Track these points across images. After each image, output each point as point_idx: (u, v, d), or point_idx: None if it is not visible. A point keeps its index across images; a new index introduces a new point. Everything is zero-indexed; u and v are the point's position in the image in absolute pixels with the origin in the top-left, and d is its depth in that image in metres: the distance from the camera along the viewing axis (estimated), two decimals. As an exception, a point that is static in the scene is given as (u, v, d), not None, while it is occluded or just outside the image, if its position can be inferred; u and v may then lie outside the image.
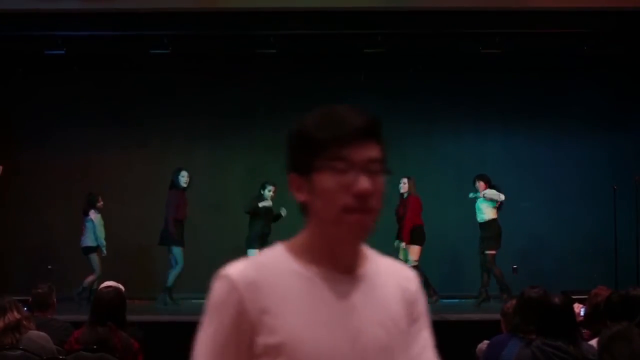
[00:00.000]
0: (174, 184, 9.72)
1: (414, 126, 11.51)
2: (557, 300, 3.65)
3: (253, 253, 9.47)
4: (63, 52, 9.79)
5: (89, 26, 9.50)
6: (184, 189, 9.72)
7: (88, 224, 9.96)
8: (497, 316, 4.45)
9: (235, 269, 2.00)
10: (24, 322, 4.57)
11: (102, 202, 10.06)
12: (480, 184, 9.68)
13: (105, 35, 9.92)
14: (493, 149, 11.49)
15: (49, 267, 10.99)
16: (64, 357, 4.46)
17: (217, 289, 2.02)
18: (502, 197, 9.58)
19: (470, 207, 10.10)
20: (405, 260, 9.39)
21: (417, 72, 11.21)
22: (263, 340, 1.92)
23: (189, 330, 7.34)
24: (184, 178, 9.69)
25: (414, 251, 9.51)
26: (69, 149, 11.44)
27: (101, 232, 9.95)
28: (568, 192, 11.33)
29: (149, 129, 11.53)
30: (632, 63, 11.00)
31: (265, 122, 11.45)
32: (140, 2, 9.21)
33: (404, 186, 9.59)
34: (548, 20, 9.39)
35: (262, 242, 9.47)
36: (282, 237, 2.08)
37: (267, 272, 1.98)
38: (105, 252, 10.02)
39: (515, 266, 11.09)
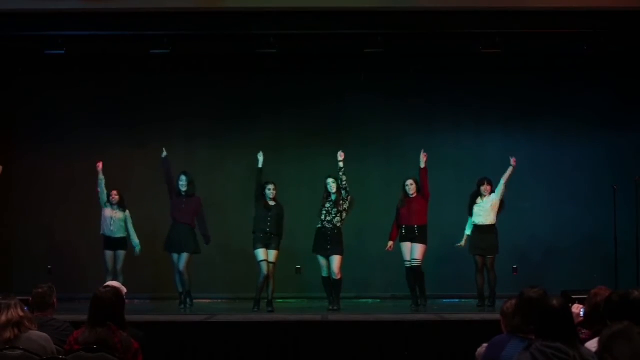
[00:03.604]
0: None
1: (414, 126, 11.52)
2: (554, 302, 3.64)
3: (259, 254, 9.43)
4: (63, 52, 9.79)
5: (89, 26, 9.49)
6: (179, 193, 9.80)
7: None
8: (498, 316, 4.44)
9: None
10: (26, 323, 4.59)
11: (115, 196, 10.05)
12: (487, 188, 9.64)
13: (105, 35, 9.91)
14: (493, 149, 11.48)
15: (49, 267, 11.01)
16: (63, 357, 4.46)
17: None
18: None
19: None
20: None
21: (417, 72, 11.22)
22: None
23: (189, 330, 7.32)
24: (181, 182, 9.78)
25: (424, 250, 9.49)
26: (69, 148, 11.45)
27: (111, 227, 9.95)
28: (568, 192, 11.34)
29: (149, 129, 11.53)
30: (632, 63, 11.01)
31: (265, 122, 11.47)
32: (140, 2, 9.20)
33: (412, 187, 9.56)
34: (548, 20, 9.38)
35: (267, 241, 9.44)
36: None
37: None
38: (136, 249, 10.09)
39: (515, 266, 11.11)
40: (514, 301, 4.26)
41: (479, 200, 9.66)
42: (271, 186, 9.55)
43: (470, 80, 11.32)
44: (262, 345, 7.68)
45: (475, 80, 11.31)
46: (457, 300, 10.45)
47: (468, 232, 9.71)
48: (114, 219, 9.98)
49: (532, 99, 11.39)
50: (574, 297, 6.19)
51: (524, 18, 9.37)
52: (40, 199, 11.36)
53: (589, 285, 4.99)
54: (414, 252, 9.41)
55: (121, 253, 9.95)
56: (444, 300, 10.21)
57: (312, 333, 7.74)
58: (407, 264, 9.45)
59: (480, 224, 9.61)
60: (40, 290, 5.24)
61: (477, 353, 4.62)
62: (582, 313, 4.63)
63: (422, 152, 9.56)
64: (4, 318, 4.51)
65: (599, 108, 11.29)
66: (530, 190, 11.32)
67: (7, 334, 4.48)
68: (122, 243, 9.99)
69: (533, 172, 11.38)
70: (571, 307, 4.39)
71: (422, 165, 9.53)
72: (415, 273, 9.43)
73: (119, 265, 9.89)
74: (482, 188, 9.64)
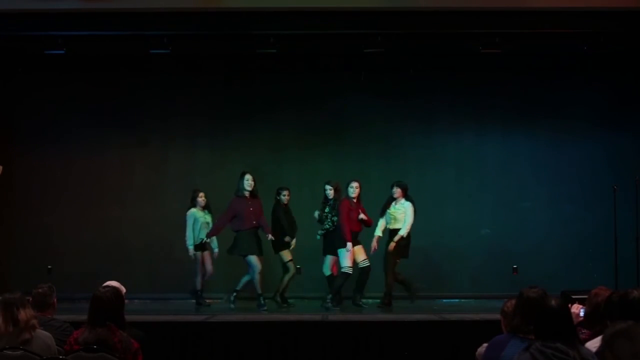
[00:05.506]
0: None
1: (414, 126, 11.52)
2: (553, 302, 3.64)
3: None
4: (63, 52, 9.79)
5: (89, 26, 9.49)
6: (241, 194, 9.53)
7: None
8: (498, 316, 4.44)
9: None
10: (36, 323, 4.62)
11: (202, 197, 9.89)
12: (398, 191, 9.55)
13: (105, 35, 9.91)
14: (493, 149, 11.49)
15: (49, 267, 11.00)
16: (64, 357, 4.47)
17: None
18: (406, 229, 9.36)
19: (470, 208, 10.10)
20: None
21: (417, 72, 11.22)
22: None
23: (189, 330, 7.32)
24: (247, 182, 9.50)
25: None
26: (69, 148, 11.45)
27: (197, 229, 9.81)
28: (568, 192, 11.33)
29: (149, 129, 11.54)
30: (632, 63, 11.01)
31: (265, 122, 11.47)
32: (140, 2, 9.20)
33: (356, 190, 9.49)
34: (548, 20, 9.38)
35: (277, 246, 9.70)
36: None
37: None
38: (215, 250, 9.99)
39: (515, 266, 11.11)
40: (514, 301, 4.26)
41: (393, 204, 9.55)
42: (285, 192, 9.82)
43: (470, 80, 11.32)
44: (262, 345, 7.68)
45: (475, 80, 11.31)
46: (457, 300, 10.45)
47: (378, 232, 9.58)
48: (208, 223, 9.88)
49: (532, 99, 11.39)
50: (574, 297, 6.18)
51: (524, 18, 9.37)
52: (40, 199, 11.35)
53: (589, 285, 4.99)
54: (362, 253, 9.42)
55: (207, 253, 9.96)
56: (444, 300, 10.21)
57: (312, 333, 7.74)
58: (360, 265, 9.44)
59: (391, 228, 9.53)
60: (40, 290, 5.25)
61: (477, 353, 4.62)
62: (582, 313, 4.64)
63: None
64: (23, 316, 4.51)
65: (598, 108, 11.29)
66: (530, 190, 11.32)
67: (26, 335, 4.49)
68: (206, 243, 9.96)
69: (533, 172, 11.38)
70: (571, 307, 4.39)
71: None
72: (364, 273, 9.42)
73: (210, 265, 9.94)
74: (393, 190, 9.53)
